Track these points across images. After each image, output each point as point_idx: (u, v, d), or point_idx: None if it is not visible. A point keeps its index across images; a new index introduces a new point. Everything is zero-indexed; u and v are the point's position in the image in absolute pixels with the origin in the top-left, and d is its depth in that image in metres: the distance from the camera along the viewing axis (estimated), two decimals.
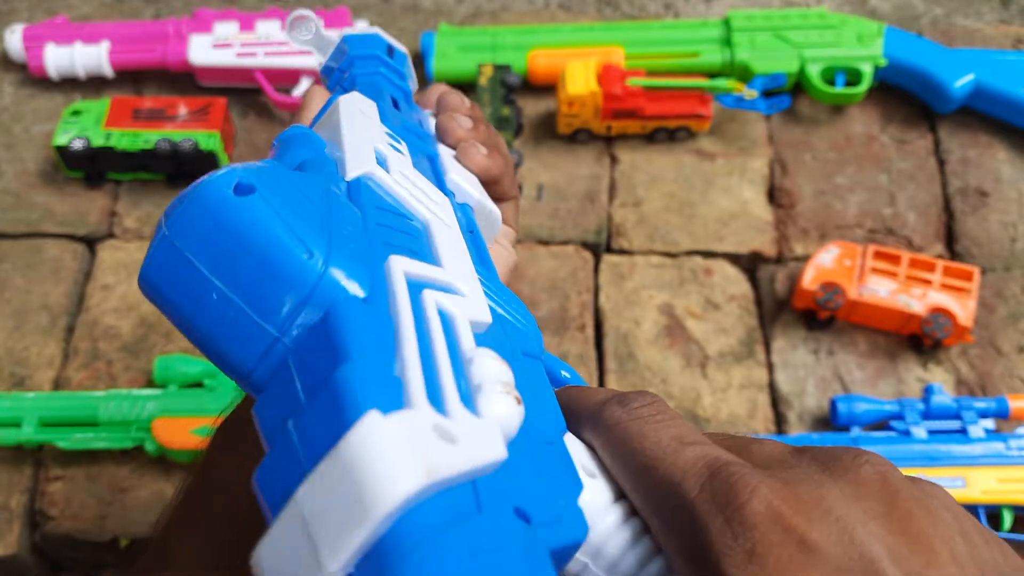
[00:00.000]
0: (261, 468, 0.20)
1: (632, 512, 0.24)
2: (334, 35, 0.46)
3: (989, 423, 0.69)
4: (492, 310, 0.26)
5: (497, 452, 0.18)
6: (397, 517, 0.16)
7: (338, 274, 0.22)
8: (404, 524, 0.16)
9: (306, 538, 0.16)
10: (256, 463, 0.20)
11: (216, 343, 0.22)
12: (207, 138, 0.82)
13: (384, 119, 0.36)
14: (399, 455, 0.16)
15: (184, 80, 0.91)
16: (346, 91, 0.38)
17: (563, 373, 0.30)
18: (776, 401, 0.74)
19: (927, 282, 0.75)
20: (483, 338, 0.24)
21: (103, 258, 0.81)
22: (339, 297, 0.22)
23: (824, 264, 0.76)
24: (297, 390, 0.21)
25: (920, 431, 0.69)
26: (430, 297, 0.23)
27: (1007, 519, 0.67)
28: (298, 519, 0.17)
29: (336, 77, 0.45)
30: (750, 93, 0.84)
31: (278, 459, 0.19)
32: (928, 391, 0.70)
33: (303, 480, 0.17)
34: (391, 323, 0.22)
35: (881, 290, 0.75)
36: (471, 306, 0.24)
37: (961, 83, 0.86)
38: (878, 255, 0.77)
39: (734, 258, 0.82)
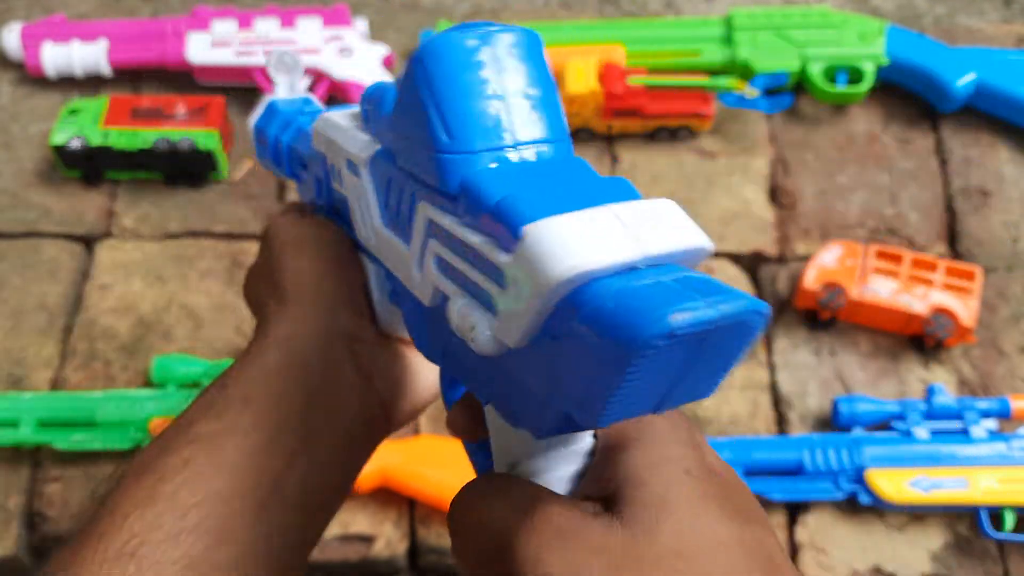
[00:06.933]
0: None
1: None
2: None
3: (991, 424, 0.69)
4: None
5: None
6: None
7: None
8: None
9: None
10: None
11: None
12: (205, 137, 0.82)
13: None
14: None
15: (182, 79, 0.91)
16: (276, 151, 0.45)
17: None
18: (777, 401, 0.74)
19: (929, 282, 0.75)
20: None
21: (101, 258, 0.81)
22: None
23: (826, 264, 0.76)
24: None
25: (922, 432, 0.68)
26: None
27: (1009, 520, 0.67)
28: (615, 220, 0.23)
29: (271, 139, 0.46)
30: (751, 92, 0.84)
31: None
32: (930, 391, 0.70)
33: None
34: None
35: (883, 290, 0.75)
36: None
37: (963, 82, 0.85)
38: (880, 255, 0.76)
39: (736, 258, 0.81)
